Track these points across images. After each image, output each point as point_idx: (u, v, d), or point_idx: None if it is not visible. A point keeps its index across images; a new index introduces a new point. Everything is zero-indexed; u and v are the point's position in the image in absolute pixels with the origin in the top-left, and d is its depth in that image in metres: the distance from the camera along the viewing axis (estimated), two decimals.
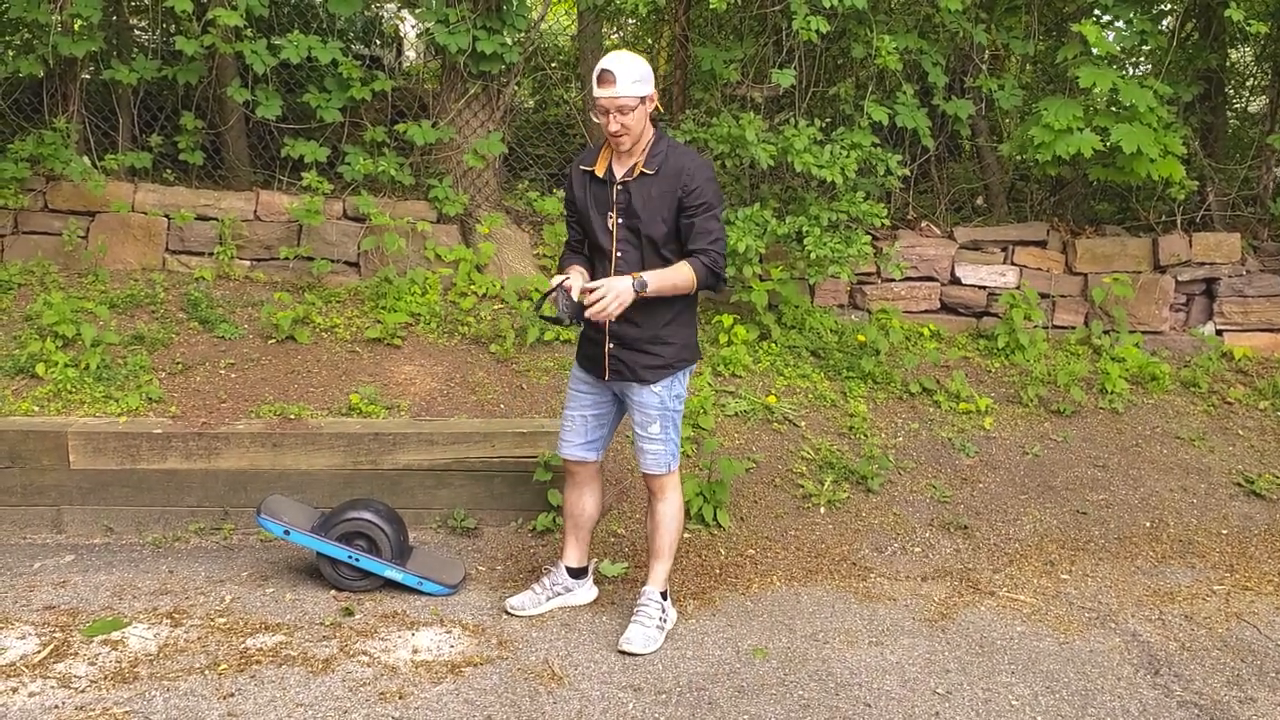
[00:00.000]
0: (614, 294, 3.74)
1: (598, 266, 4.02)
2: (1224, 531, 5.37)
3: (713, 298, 6.58)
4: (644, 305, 3.90)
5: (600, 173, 3.98)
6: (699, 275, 3.88)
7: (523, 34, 6.65)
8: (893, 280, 6.83)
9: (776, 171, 6.61)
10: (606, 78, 3.79)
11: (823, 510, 5.28)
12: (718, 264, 3.90)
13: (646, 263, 3.93)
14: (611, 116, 3.82)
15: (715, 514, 5.08)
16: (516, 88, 7.13)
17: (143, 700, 3.57)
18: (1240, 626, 4.46)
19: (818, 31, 6.13)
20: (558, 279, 3.90)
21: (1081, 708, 3.80)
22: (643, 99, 3.83)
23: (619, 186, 3.94)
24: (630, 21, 8.85)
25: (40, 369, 5.38)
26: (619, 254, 3.94)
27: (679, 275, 3.88)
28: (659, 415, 4.05)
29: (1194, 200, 7.25)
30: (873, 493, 5.42)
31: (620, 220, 3.94)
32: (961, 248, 7.00)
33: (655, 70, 6.25)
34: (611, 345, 3.99)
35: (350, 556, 4.36)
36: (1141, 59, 7.61)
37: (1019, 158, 6.91)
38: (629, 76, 3.79)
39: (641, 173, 3.92)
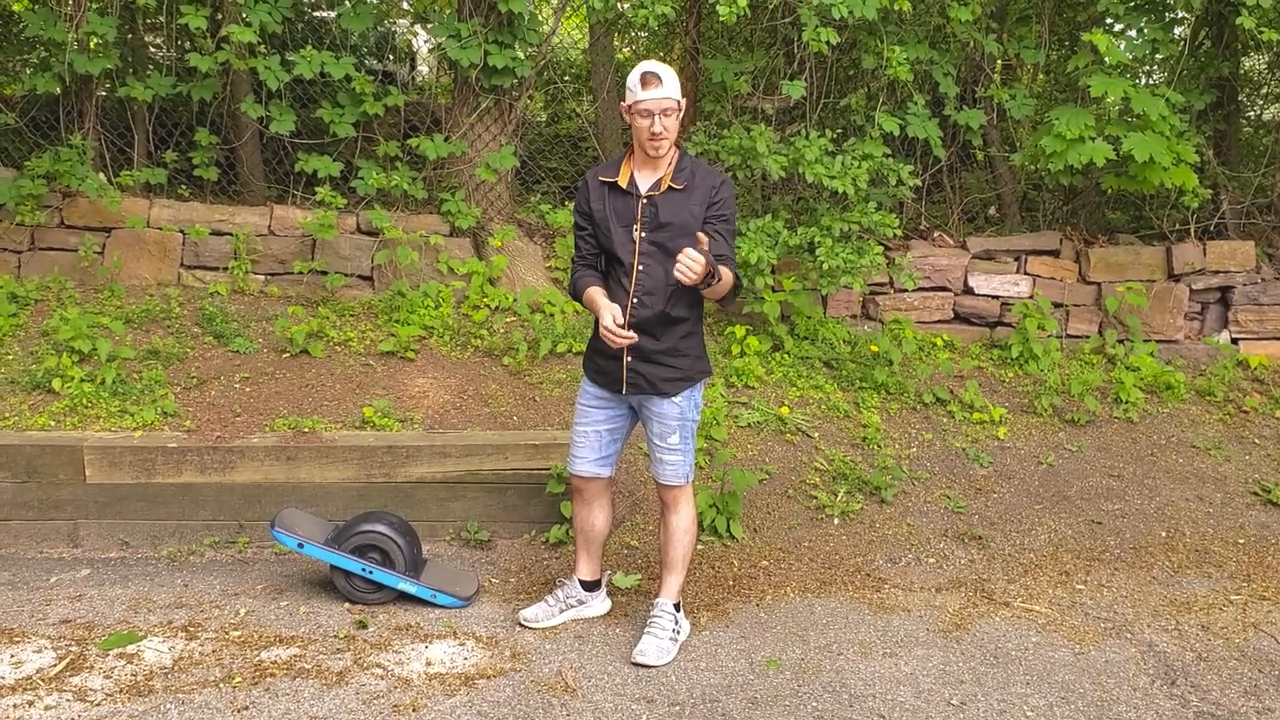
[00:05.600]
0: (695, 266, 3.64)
1: (614, 280, 4.00)
2: (1240, 541, 5.34)
3: (724, 309, 6.58)
4: (665, 318, 3.92)
5: (623, 184, 3.97)
6: (738, 282, 3.95)
7: (534, 48, 6.68)
8: (905, 290, 6.82)
9: (788, 183, 6.62)
10: (651, 79, 3.81)
11: (836, 521, 5.27)
12: (736, 273, 3.98)
13: (669, 275, 3.92)
14: (655, 118, 3.83)
15: (728, 525, 5.07)
16: (528, 101, 7.15)
17: (158, 713, 3.59)
18: (1257, 636, 4.43)
19: (828, 43, 6.14)
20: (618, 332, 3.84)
21: (1097, 718, 3.78)
22: (679, 103, 3.87)
23: (644, 200, 3.94)
24: (641, 35, 8.88)
25: (56, 384, 5.42)
26: (641, 267, 3.94)
27: (730, 278, 3.88)
28: (678, 426, 4.05)
29: (1208, 208, 7.22)
30: (886, 503, 5.41)
31: (645, 234, 3.94)
32: (974, 257, 6.98)
33: None
34: (630, 359, 3.98)
35: (364, 569, 4.37)
36: (1153, 67, 7.59)
37: (1031, 167, 6.90)
38: (671, 80, 3.85)
39: (670, 187, 3.93)
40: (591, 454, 4.18)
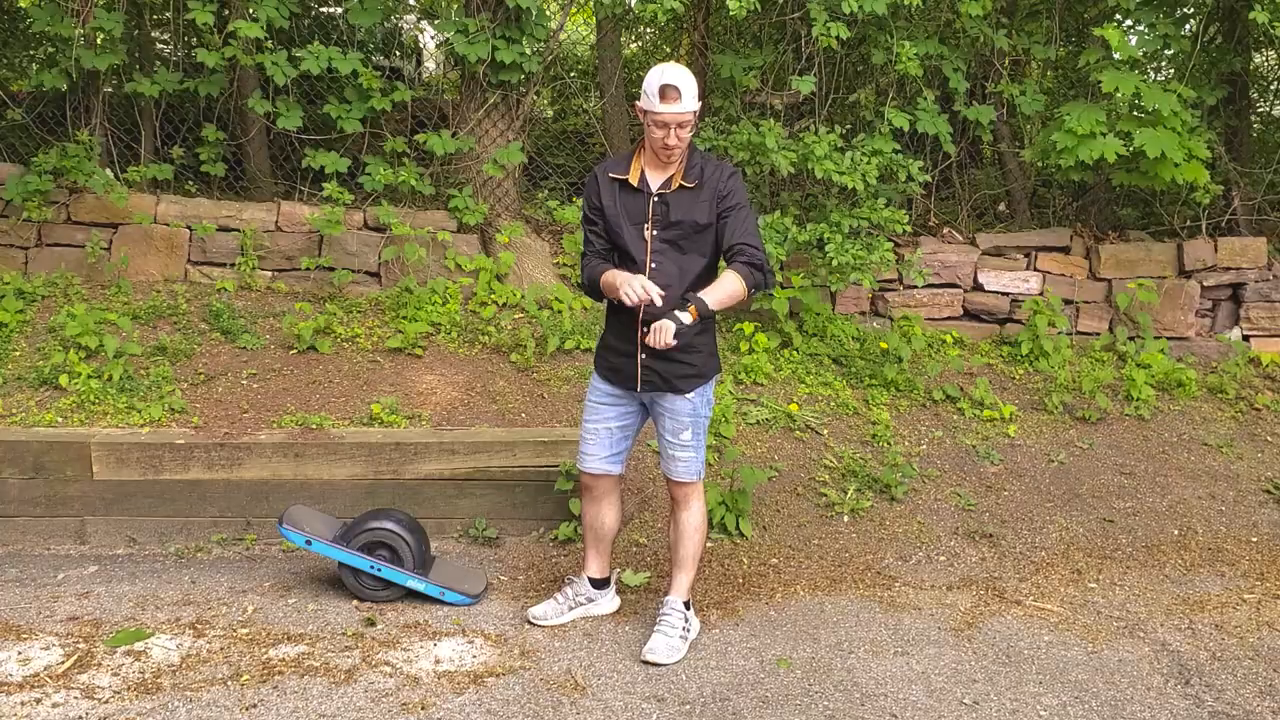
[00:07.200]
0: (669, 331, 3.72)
1: None
2: (1253, 539, 5.30)
3: (733, 306, 6.54)
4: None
5: (634, 181, 3.95)
6: (746, 279, 3.84)
7: (541, 43, 6.66)
8: (915, 287, 6.78)
9: (797, 179, 6.58)
10: (672, 94, 3.78)
11: (846, 519, 5.24)
12: (755, 259, 3.85)
13: (683, 272, 3.91)
14: (671, 130, 3.81)
15: (738, 523, 5.05)
16: (535, 97, 7.13)
17: (165, 711, 3.57)
18: (1272, 635, 4.40)
19: (837, 38, 6.11)
20: (644, 295, 3.77)
21: (1111, 718, 3.76)
22: (695, 113, 3.85)
23: (656, 198, 3.92)
24: (649, 30, 8.85)
25: (64, 380, 5.41)
26: (653, 265, 3.92)
27: (731, 286, 3.83)
28: (691, 422, 4.03)
29: (1219, 205, 7.18)
30: (896, 501, 5.38)
31: (656, 232, 3.92)
32: (984, 254, 6.95)
33: None
34: (644, 356, 3.96)
35: (372, 566, 4.36)
36: (1164, 63, 7.56)
37: (1041, 163, 6.87)
38: (690, 92, 3.81)
39: (682, 185, 3.91)
40: (601, 451, 4.15)
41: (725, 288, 3.84)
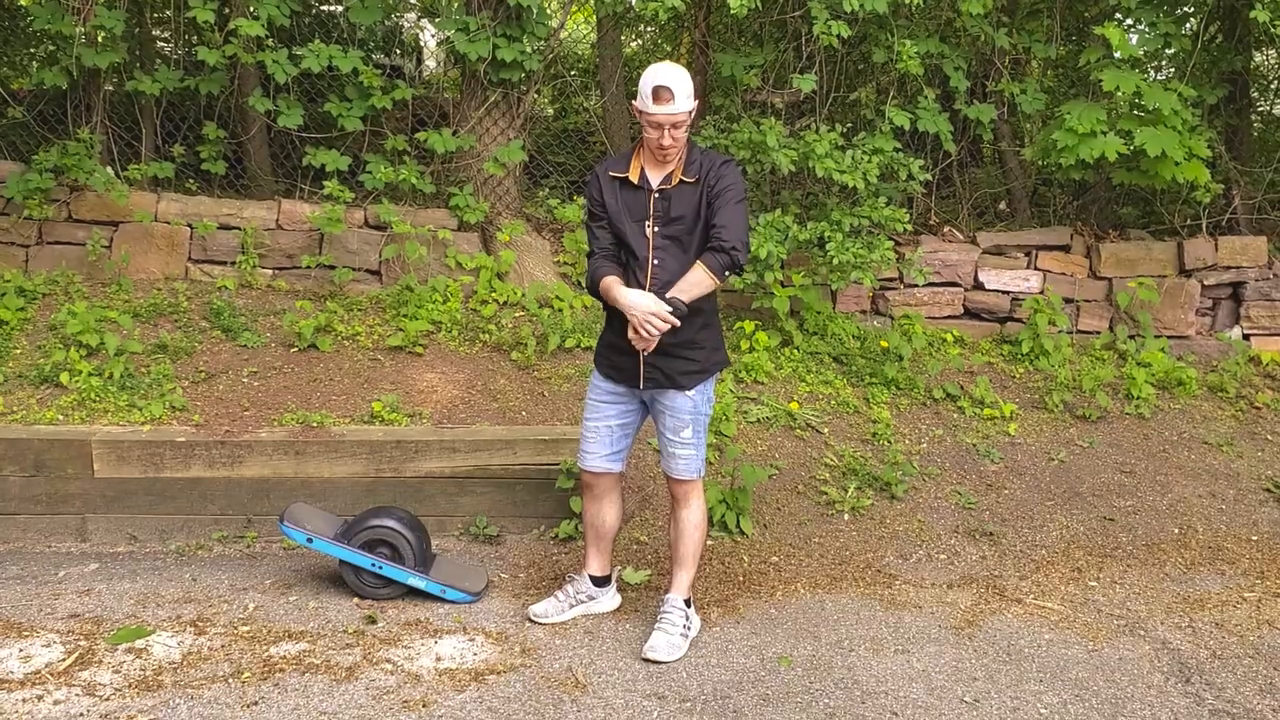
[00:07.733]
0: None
1: (629, 274, 3.98)
2: (1254, 538, 5.30)
3: (735, 304, 6.56)
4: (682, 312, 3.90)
5: (634, 179, 3.96)
6: (709, 264, 3.87)
7: (542, 42, 6.66)
8: (915, 286, 6.78)
9: (798, 177, 6.58)
10: (665, 94, 3.78)
11: (847, 517, 5.24)
12: (721, 243, 3.85)
13: (684, 269, 3.91)
14: (665, 131, 3.82)
15: (738, 521, 5.05)
16: (536, 95, 7.13)
17: (167, 708, 3.57)
18: (1272, 634, 4.40)
19: (839, 36, 6.11)
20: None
21: (1112, 716, 3.76)
22: (690, 112, 3.85)
23: (656, 194, 3.93)
24: (649, 29, 8.85)
25: (64, 378, 5.41)
26: (656, 261, 3.93)
27: (694, 275, 3.88)
28: (691, 420, 4.03)
29: (1219, 203, 7.17)
30: (897, 499, 5.38)
31: (658, 229, 3.93)
32: (984, 253, 6.95)
33: None
34: (647, 354, 3.96)
35: (373, 564, 4.36)
36: (1165, 62, 7.56)
37: (1042, 162, 6.86)
38: (684, 91, 3.81)
39: (682, 181, 3.91)
40: (602, 449, 4.16)
41: (688, 279, 3.88)
